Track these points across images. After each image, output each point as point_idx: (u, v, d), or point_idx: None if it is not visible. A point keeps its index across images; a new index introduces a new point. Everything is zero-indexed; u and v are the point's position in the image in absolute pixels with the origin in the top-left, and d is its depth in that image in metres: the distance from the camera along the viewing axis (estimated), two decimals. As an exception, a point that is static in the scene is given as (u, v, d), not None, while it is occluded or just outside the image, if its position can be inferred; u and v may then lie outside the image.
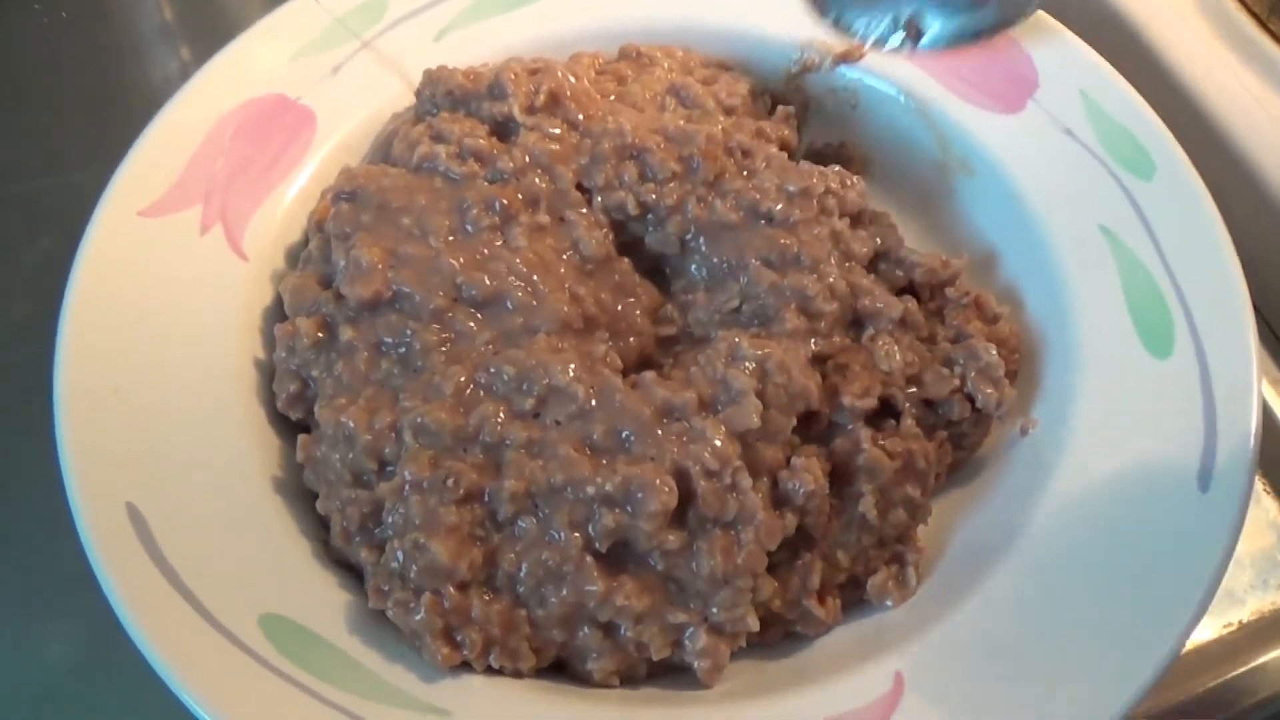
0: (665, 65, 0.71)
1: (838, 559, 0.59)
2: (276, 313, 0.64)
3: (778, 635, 0.59)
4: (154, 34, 0.85)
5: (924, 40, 0.65)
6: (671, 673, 0.57)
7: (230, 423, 0.60)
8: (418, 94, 0.68)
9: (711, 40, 0.73)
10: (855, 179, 0.65)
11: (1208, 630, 0.64)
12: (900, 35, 0.69)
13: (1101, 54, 0.70)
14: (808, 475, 0.57)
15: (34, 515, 0.67)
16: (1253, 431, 0.57)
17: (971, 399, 0.61)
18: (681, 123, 0.65)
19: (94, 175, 0.64)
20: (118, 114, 0.78)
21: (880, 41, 0.70)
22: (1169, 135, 0.65)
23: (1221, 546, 0.55)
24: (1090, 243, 0.64)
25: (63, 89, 0.82)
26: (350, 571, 0.58)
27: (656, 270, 0.65)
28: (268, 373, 0.62)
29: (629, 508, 0.54)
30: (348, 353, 0.59)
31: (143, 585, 0.53)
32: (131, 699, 0.62)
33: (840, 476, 0.59)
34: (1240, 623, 0.65)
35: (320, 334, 0.60)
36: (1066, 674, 0.53)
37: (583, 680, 0.56)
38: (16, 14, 0.85)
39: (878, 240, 0.65)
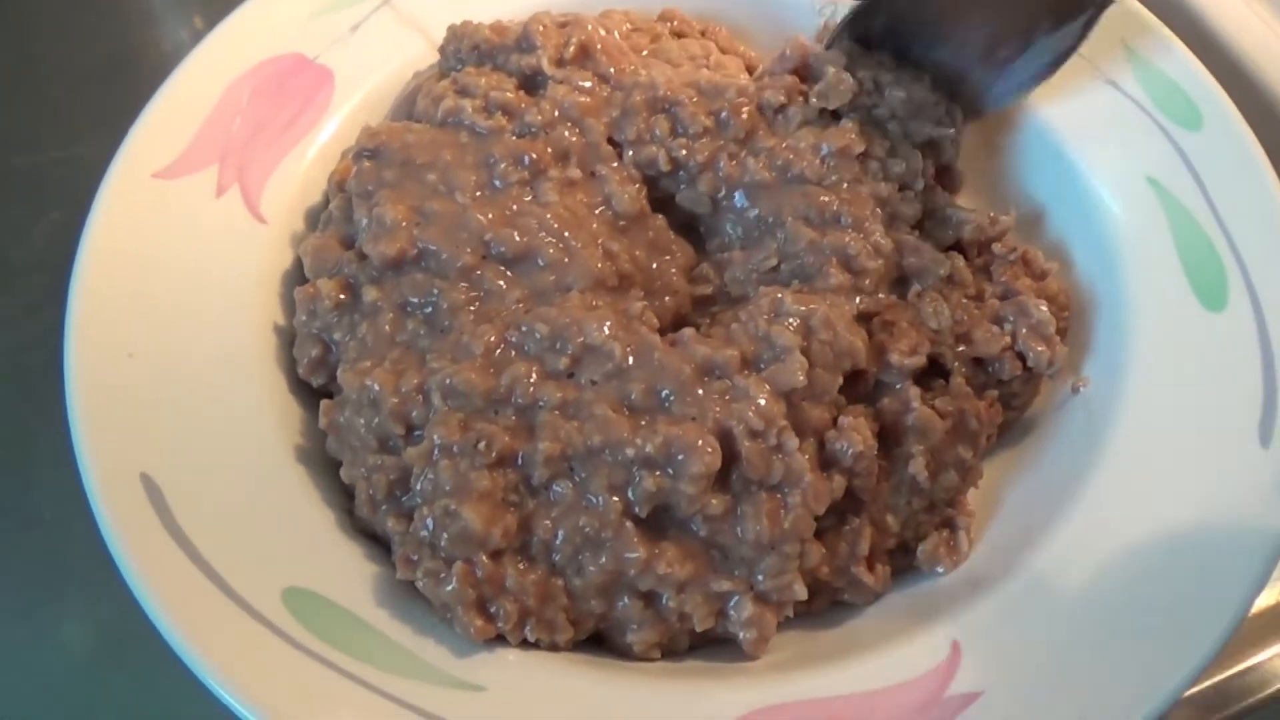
0: (700, 39, 0.66)
1: (887, 524, 0.54)
2: (296, 277, 0.59)
3: (825, 604, 0.54)
4: (165, 2, 0.80)
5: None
6: (715, 644, 0.52)
7: (249, 389, 0.55)
8: (441, 50, 0.63)
9: (743, 3, 0.69)
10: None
11: (1267, 596, 0.59)
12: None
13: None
14: (856, 435, 0.52)
15: (51, 493, 0.62)
16: (1315, 383, 0.53)
17: (1022, 357, 0.56)
18: (714, 76, 0.60)
19: (104, 147, 0.59)
20: (128, 83, 0.73)
21: None
22: (1216, 85, 0.61)
23: (1288, 500, 0.50)
24: (1139, 196, 0.59)
25: (72, 58, 0.77)
26: (376, 542, 0.53)
27: (690, 228, 0.60)
28: (287, 339, 0.57)
29: (670, 470, 0.49)
30: (372, 314, 0.54)
31: (160, 560, 0.49)
32: (151, 679, 0.57)
33: (889, 437, 0.54)
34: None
35: (342, 295, 0.55)
36: (1130, 639, 0.48)
37: (622, 653, 0.51)
38: (26, -17, 0.80)
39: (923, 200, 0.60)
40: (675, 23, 0.66)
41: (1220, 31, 0.69)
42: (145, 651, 0.53)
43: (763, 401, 0.50)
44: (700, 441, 0.49)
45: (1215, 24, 0.69)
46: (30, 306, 0.67)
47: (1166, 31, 0.63)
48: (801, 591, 0.51)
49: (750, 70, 0.66)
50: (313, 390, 0.57)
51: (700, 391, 0.51)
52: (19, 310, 0.67)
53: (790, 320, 0.52)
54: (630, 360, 0.51)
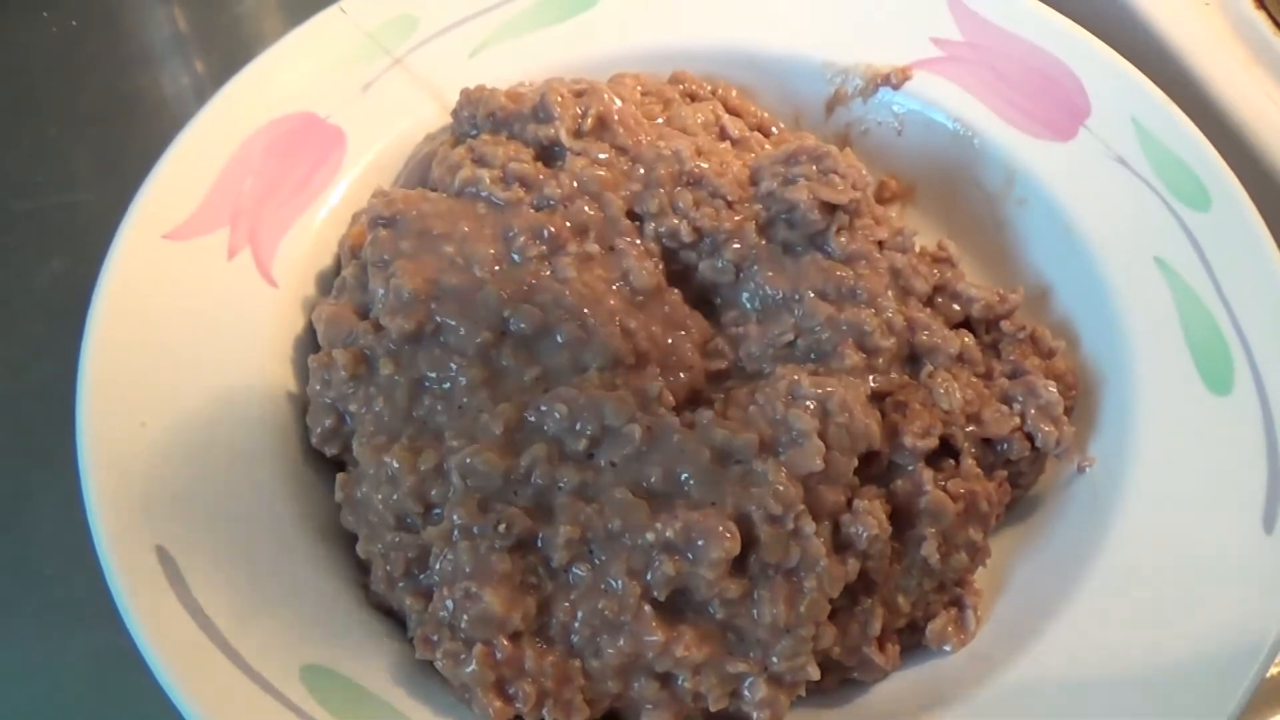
0: (712, 99, 0.67)
1: (898, 604, 0.55)
2: (308, 341, 0.59)
3: (835, 682, 0.55)
4: (167, 45, 0.79)
5: None
6: (727, 723, 0.53)
7: (262, 458, 0.55)
8: (455, 114, 0.63)
9: (750, 64, 0.69)
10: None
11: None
12: None
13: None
14: (871, 519, 0.53)
15: (51, 543, 0.62)
16: (1319, 470, 0.54)
17: (1031, 437, 0.57)
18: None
19: (106, 192, 0.60)
20: (130, 128, 0.73)
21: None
22: (1224, 165, 0.62)
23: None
24: (1146, 276, 0.60)
25: (72, 101, 0.77)
26: (392, 617, 0.53)
27: (704, 300, 0.60)
28: (300, 405, 0.58)
29: (690, 555, 0.50)
30: (388, 388, 0.55)
31: (178, 636, 0.49)
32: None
33: (901, 519, 0.55)
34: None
35: (358, 367, 0.55)
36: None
37: (637, 732, 0.52)
38: (25, 22, 0.79)
39: (935, 273, 0.61)
40: (686, 84, 0.67)
41: (1230, 110, 0.70)
42: (145, 706, 0.54)
43: (781, 487, 0.51)
44: (720, 528, 0.49)
45: (1225, 102, 0.70)
46: (32, 355, 0.66)
47: (1176, 109, 0.64)
48: (815, 672, 0.51)
49: (761, 129, 0.67)
50: (325, 459, 0.57)
51: (719, 476, 0.51)
52: (21, 358, 0.67)
53: (808, 403, 0.53)
54: (649, 443, 0.52)
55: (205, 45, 0.78)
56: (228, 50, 0.65)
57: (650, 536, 0.50)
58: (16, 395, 0.66)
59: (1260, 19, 0.74)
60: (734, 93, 0.68)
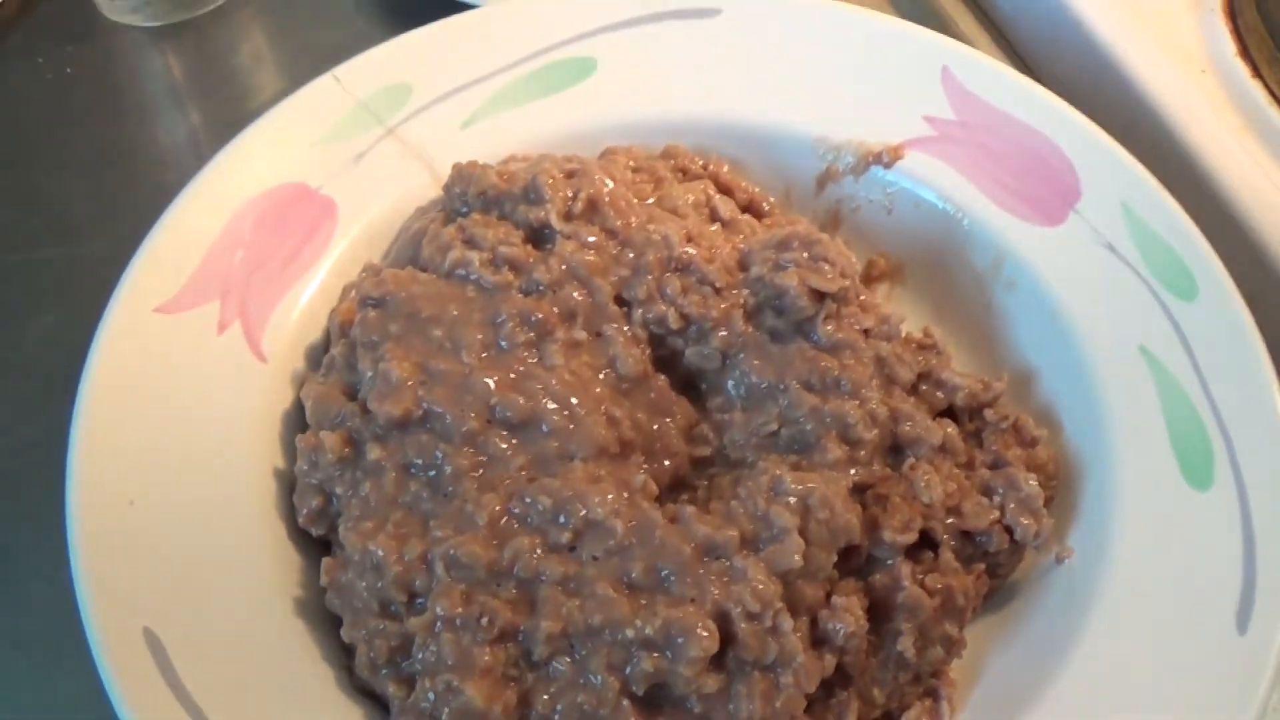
0: (704, 176, 0.67)
1: (873, 696, 0.56)
2: (296, 417, 0.60)
3: (811, 771, 0.56)
4: (163, 95, 0.80)
5: None
6: (704, 813, 0.54)
7: (249, 538, 0.56)
8: (446, 189, 0.64)
9: (740, 138, 0.69)
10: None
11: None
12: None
13: (1128, 146, 0.66)
14: (849, 616, 0.54)
15: (37, 604, 0.63)
16: (1292, 569, 0.55)
17: (1010, 530, 0.58)
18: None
19: (100, 246, 0.60)
20: (124, 179, 0.73)
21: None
22: (1213, 255, 0.62)
23: (1259, 692, 0.52)
24: (1130, 365, 0.61)
25: (66, 151, 0.77)
26: (375, 701, 0.54)
27: (690, 386, 0.61)
28: (287, 482, 0.59)
29: (669, 652, 0.50)
30: (375, 473, 0.56)
31: (162, 716, 0.50)
32: None
33: (878, 612, 0.56)
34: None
35: (346, 450, 0.56)
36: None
37: (616, 825, 0.53)
38: (19, 69, 0.80)
39: (920, 360, 0.61)
40: (677, 159, 0.67)
41: (1222, 181, 0.70)
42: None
43: (760, 584, 0.52)
44: (699, 626, 0.50)
45: (1217, 172, 0.70)
46: (21, 412, 0.67)
47: (1166, 195, 0.64)
48: (791, 766, 0.53)
49: (752, 205, 0.67)
50: (311, 538, 0.58)
51: (700, 571, 0.52)
52: (9, 416, 0.67)
53: (789, 499, 0.54)
54: (632, 538, 0.53)
55: (201, 96, 0.78)
56: (223, 101, 0.65)
57: (630, 633, 0.51)
58: (6, 453, 0.66)
59: (1256, 88, 0.75)
60: (725, 168, 0.68)
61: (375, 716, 0.54)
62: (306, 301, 0.62)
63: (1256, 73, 0.75)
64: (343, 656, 0.55)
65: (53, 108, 0.78)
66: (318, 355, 0.62)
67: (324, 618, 0.56)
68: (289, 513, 0.58)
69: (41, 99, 0.78)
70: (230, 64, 0.78)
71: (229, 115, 0.64)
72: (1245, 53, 0.76)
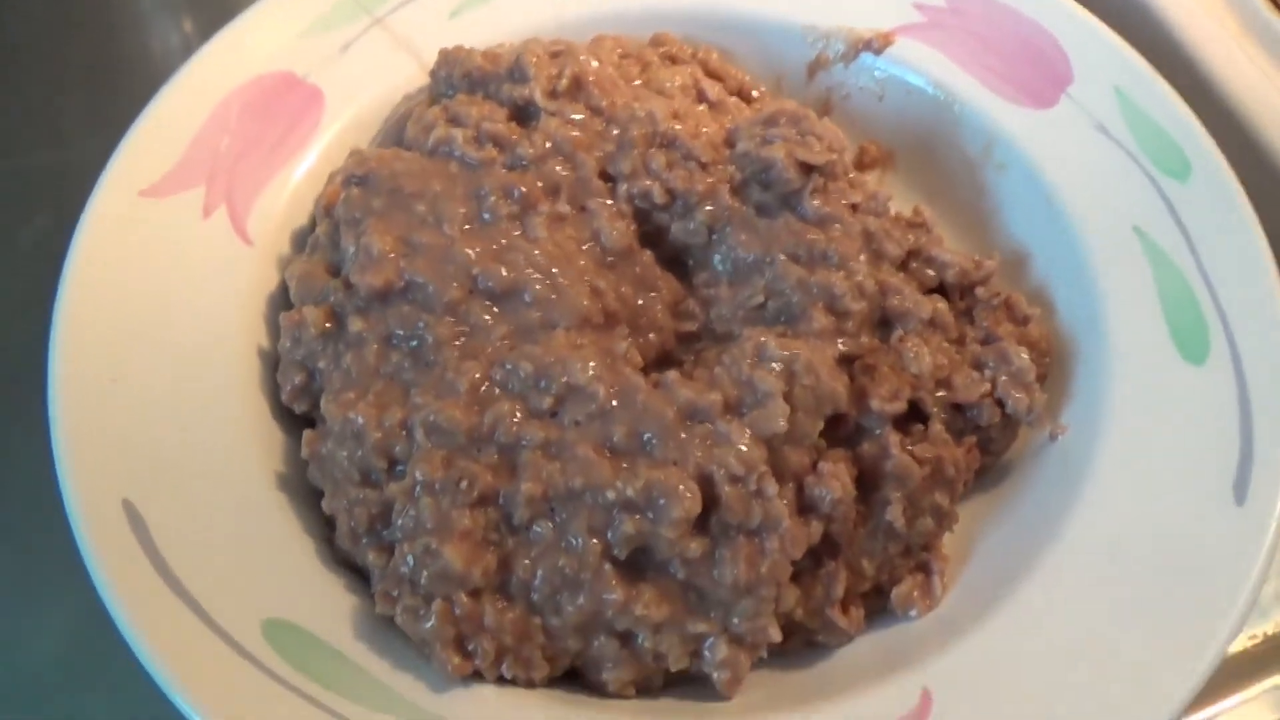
0: (692, 62, 0.68)
1: (862, 567, 0.56)
2: (281, 300, 0.60)
3: (798, 644, 0.56)
4: (155, 5, 0.81)
5: None
6: (689, 683, 0.54)
7: (232, 415, 0.57)
8: (433, 74, 0.64)
9: (730, 27, 0.70)
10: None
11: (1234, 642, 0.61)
12: None
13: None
14: (835, 482, 0.53)
15: (26, 502, 0.62)
16: (1292, 444, 0.54)
17: (1001, 404, 0.58)
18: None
19: (92, 151, 0.60)
20: (118, 87, 0.75)
21: None
22: (1206, 136, 0.62)
23: (1257, 563, 0.52)
24: (1124, 245, 0.61)
25: (61, 61, 0.78)
26: (356, 573, 0.54)
27: (677, 262, 0.61)
28: (272, 363, 0.59)
29: (650, 514, 0.50)
30: (356, 344, 0.56)
31: (141, 589, 0.50)
32: (125, 698, 0.59)
33: (867, 482, 0.56)
34: (1265, 635, 0.62)
35: (328, 324, 0.57)
36: (1100, 692, 0.50)
37: (597, 690, 0.53)
38: (14, -15, 0.81)
39: (910, 238, 0.61)
40: (666, 48, 0.67)
41: (1214, 74, 0.70)
42: (119, 668, 0.55)
43: (744, 447, 0.51)
44: (681, 487, 0.50)
45: (1217, 75, 0.70)
46: (11, 313, 0.68)
47: (1159, 78, 0.64)
48: (776, 634, 0.52)
49: (742, 93, 0.67)
50: (295, 416, 0.58)
51: (683, 435, 0.52)
52: (4, 314, 0.68)
53: (774, 365, 0.54)
54: (614, 402, 0.53)
55: (193, 6, 0.79)
56: (215, 11, 0.66)
57: (611, 495, 0.51)
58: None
59: (1256, -7, 0.74)
60: (715, 55, 0.68)
61: (356, 587, 0.54)
62: (293, 187, 0.63)
63: (1256, -23, 0.75)
64: (324, 530, 0.55)
65: (48, 21, 0.79)
66: (304, 240, 0.62)
67: (306, 492, 0.56)
68: (273, 392, 0.58)
69: (37, 11, 0.79)
70: (222, -28, 0.79)
71: (220, 23, 0.64)
72: (1245, -41, 0.76)
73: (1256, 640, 0.62)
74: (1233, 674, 0.61)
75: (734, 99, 0.66)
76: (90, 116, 0.71)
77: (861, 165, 0.70)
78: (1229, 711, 0.60)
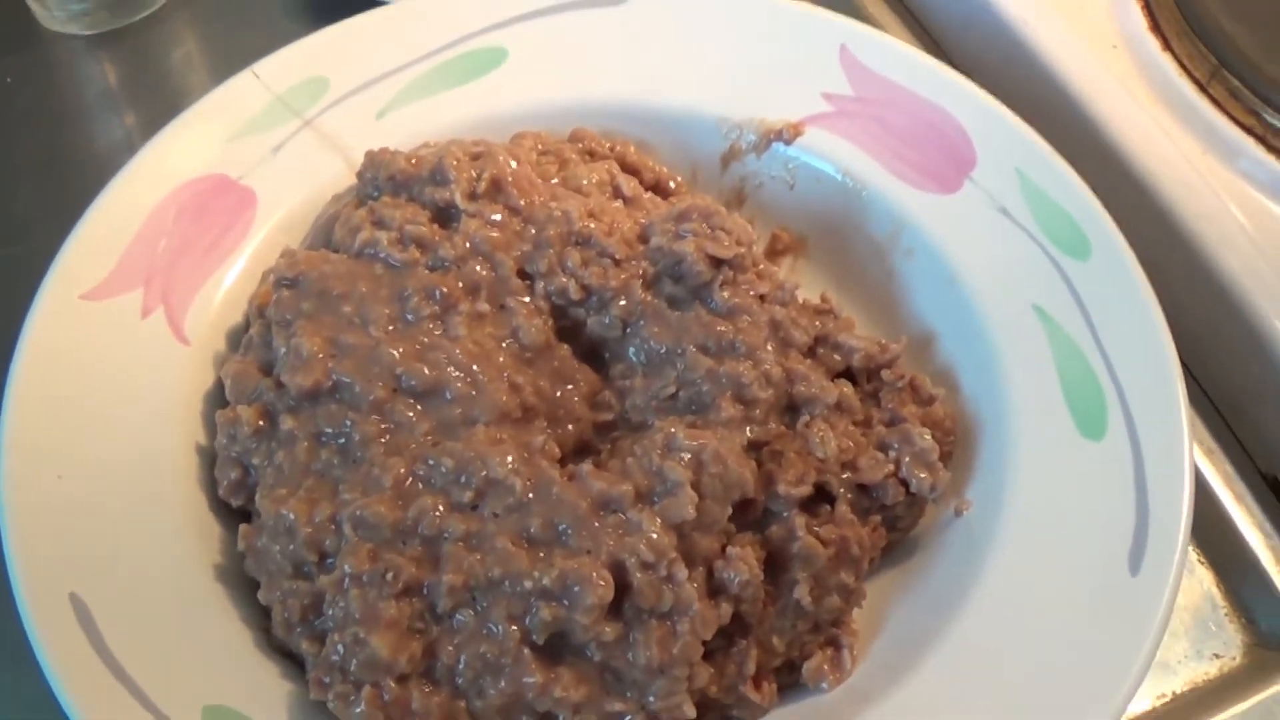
0: (609, 158, 0.73)
1: (773, 644, 0.61)
2: (218, 396, 0.66)
3: (716, 720, 0.61)
4: (98, 100, 0.87)
5: None
6: (609, 760, 0.59)
7: (172, 510, 0.62)
8: (359, 175, 0.70)
9: (647, 120, 0.75)
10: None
11: (1144, 701, 0.67)
12: None
13: (1042, 122, 0.71)
14: (743, 565, 0.59)
15: None
16: (1184, 516, 0.60)
17: (906, 483, 0.63)
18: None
19: (38, 247, 0.65)
20: (62, 179, 0.80)
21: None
22: (1105, 215, 0.68)
23: (1151, 629, 0.57)
24: (1025, 324, 0.66)
25: (6, 154, 0.83)
26: (292, 660, 0.60)
27: (594, 355, 0.67)
28: (209, 458, 0.64)
29: (566, 601, 0.56)
30: (288, 442, 0.61)
31: (87, 676, 0.55)
32: None
33: (775, 563, 0.61)
34: (1174, 694, 0.67)
35: (261, 422, 0.62)
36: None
37: (523, 771, 0.58)
38: (-41, 80, 0.87)
39: (817, 324, 0.67)
40: (584, 143, 0.73)
41: (1134, 155, 0.75)
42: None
43: (654, 535, 0.57)
44: (594, 575, 0.56)
45: (1129, 146, 0.76)
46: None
47: (1059, 159, 0.70)
48: (690, 711, 0.57)
49: (659, 185, 0.73)
50: (232, 510, 0.63)
51: (596, 525, 0.58)
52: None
53: (683, 455, 0.59)
54: (530, 495, 0.58)
55: (135, 100, 0.85)
56: (155, 106, 0.71)
57: (529, 584, 0.56)
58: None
59: (1167, 61, 0.80)
60: (632, 149, 0.74)
61: (292, 674, 0.59)
62: (227, 287, 0.68)
63: (1167, 46, 0.81)
64: (261, 618, 0.61)
65: (-6, 114, 0.85)
66: (238, 338, 0.67)
67: (243, 583, 0.62)
68: (211, 486, 0.64)
69: (-17, 105, 0.85)
70: (163, 68, 0.85)
71: (163, 117, 0.70)
72: (1156, 27, 0.82)
73: (1165, 699, 0.67)
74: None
75: (649, 194, 0.72)
76: (35, 210, 0.76)
77: (774, 252, 0.75)
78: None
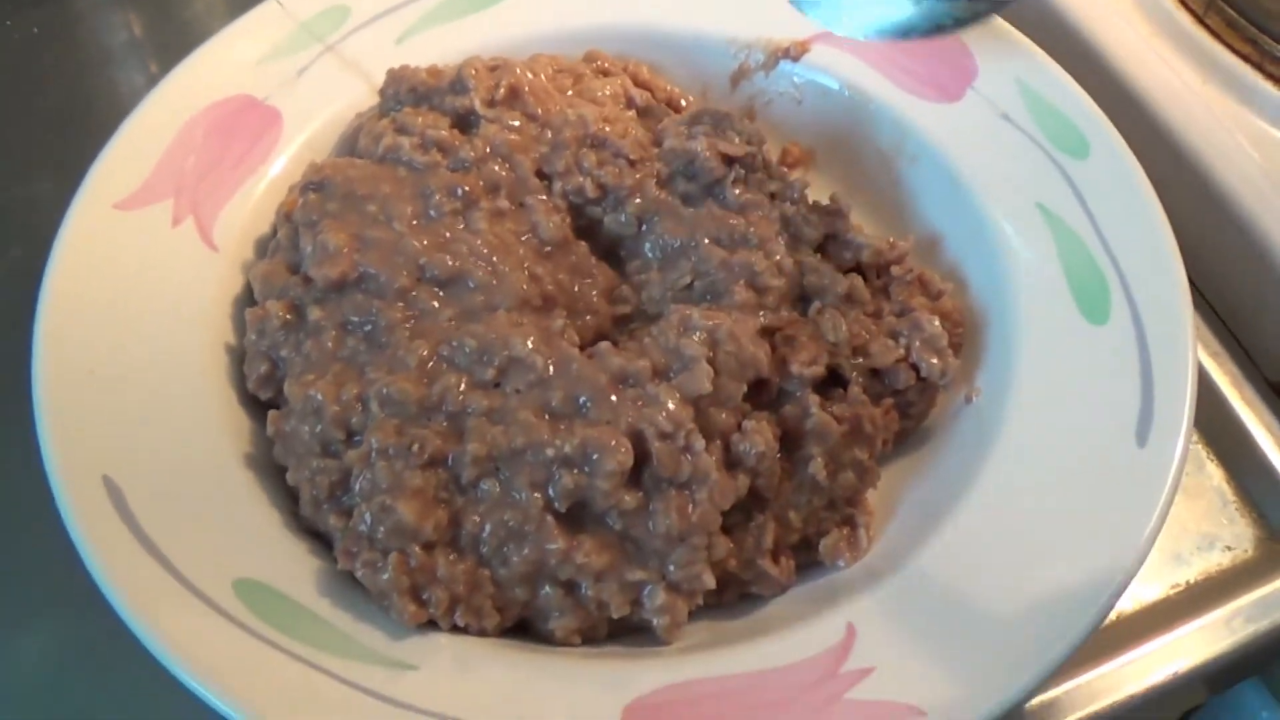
0: (622, 75, 0.78)
1: (790, 520, 0.64)
2: (246, 300, 0.69)
3: (734, 596, 0.64)
4: (122, 49, 0.92)
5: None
6: (632, 633, 0.62)
7: (202, 402, 0.65)
8: (381, 92, 0.74)
9: (658, 43, 0.80)
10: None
11: (1156, 590, 0.69)
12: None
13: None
14: (758, 437, 0.62)
15: (13, 511, 0.70)
16: (1189, 387, 0.63)
17: (916, 368, 0.67)
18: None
19: (63, 187, 0.69)
20: (86, 126, 0.84)
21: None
22: (1103, 116, 0.72)
23: (1161, 495, 0.60)
24: (1028, 220, 0.70)
25: (32, 103, 0.88)
26: (319, 539, 0.62)
27: (612, 254, 0.71)
28: (238, 358, 0.68)
29: (587, 468, 0.59)
30: (315, 332, 0.65)
31: (120, 552, 0.58)
32: (112, 685, 0.65)
33: (790, 441, 0.65)
34: (1187, 583, 0.70)
35: (289, 315, 0.66)
36: (1015, 618, 0.58)
37: (545, 639, 0.61)
38: (-11, 33, 0.92)
39: (827, 223, 0.71)
40: (598, 62, 0.78)
41: (1114, 64, 0.80)
42: (107, 657, 0.64)
43: (672, 406, 0.60)
44: (614, 442, 0.59)
45: (1109, 56, 0.81)
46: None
47: (1057, 67, 0.74)
48: (710, 580, 0.60)
49: (670, 102, 0.78)
50: (261, 405, 0.67)
51: (615, 398, 0.61)
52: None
53: (698, 333, 0.63)
54: (551, 371, 0.62)
55: (158, 48, 0.90)
56: (179, 53, 0.75)
57: (550, 452, 0.59)
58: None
59: (1163, -6, 0.85)
60: (644, 69, 0.79)
61: (319, 552, 0.62)
62: (255, 199, 0.72)
63: (1163, -21, 0.85)
64: (289, 502, 0.64)
65: (20, 65, 0.90)
66: (265, 246, 0.71)
67: (271, 470, 0.64)
68: (239, 383, 0.67)
69: (10, 57, 0.90)
70: (184, 17, 0.91)
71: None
72: (1153, -38, 0.87)
73: (1179, 588, 0.70)
74: (1161, 620, 0.69)
75: (662, 106, 0.76)
76: (60, 154, 0.80)
77: (784, 164, 0.79)
78: (1153, 654, 0.68)
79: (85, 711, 0.65)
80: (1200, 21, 0.83)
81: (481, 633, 0.60)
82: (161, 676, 0.55)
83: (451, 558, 0.60)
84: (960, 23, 0.60)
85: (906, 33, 0.61)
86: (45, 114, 0.87)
